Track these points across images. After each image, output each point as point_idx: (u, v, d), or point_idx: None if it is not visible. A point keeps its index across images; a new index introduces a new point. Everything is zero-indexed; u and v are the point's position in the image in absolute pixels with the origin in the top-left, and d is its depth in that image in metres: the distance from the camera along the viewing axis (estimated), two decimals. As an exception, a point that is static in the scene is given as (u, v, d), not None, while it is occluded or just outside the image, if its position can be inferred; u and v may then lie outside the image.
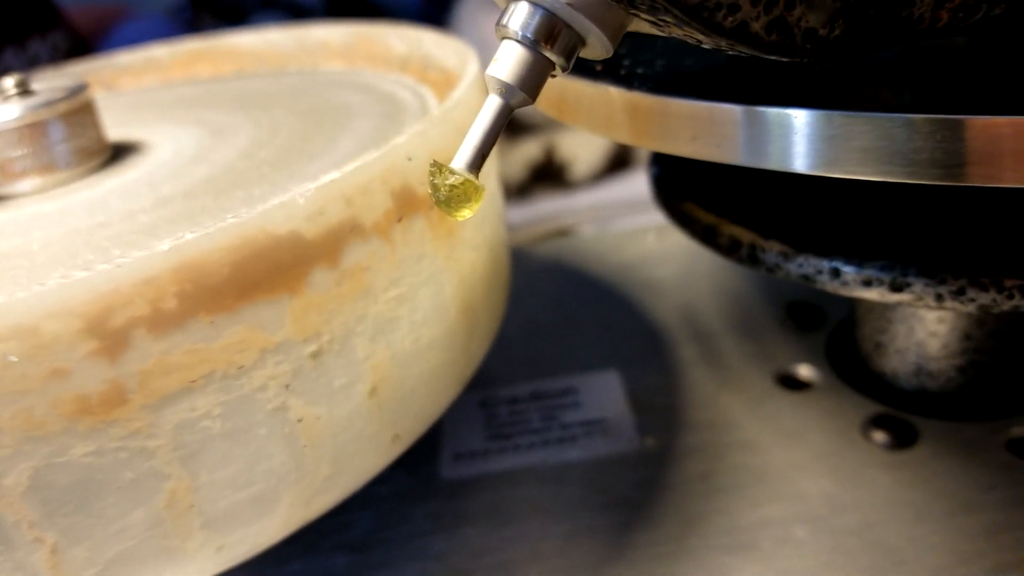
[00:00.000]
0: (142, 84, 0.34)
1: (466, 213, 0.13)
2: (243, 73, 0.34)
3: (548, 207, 0.56)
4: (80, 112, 0.22)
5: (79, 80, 0.23)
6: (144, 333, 0.13)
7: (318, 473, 0.16)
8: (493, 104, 0.14)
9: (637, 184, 0.56)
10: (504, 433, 0.27)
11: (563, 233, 0.43)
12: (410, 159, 0.17)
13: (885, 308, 0.25)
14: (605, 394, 0.28)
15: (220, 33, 0.34)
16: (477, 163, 0.13)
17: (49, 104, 0.21)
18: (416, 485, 0.25)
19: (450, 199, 0.13)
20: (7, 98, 0.22)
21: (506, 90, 0.13)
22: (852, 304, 0.28)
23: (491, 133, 0.13)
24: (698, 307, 0.33)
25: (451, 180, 0.13)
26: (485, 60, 0.15)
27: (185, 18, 0.75)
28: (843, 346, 0.28)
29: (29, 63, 0.55)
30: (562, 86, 0.21)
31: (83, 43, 0.62)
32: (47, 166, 0.21)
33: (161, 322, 0.13)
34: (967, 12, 0.15)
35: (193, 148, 0.23)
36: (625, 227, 0.41)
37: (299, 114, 0.25)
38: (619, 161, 0.63)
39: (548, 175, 0.62)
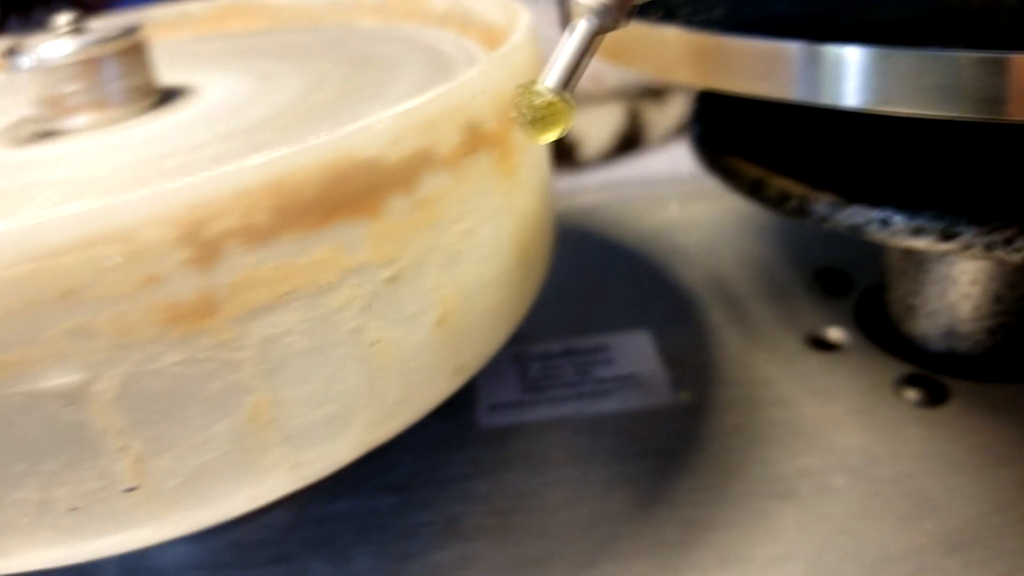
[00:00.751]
0: (176, 38, 0.34)
1: (554, 134, 0.14)
2: (276, 28, 0.34)
3: (559, 185, 0.57)
4: (133, 51, 0.22)
5: (131, 22, 0.23)
6: (236, 245, 0.14)
7: (388, 397, 0.16)
8: (581, 28, 0.14)
9: (646, 163, 0.56)
10: (538, 386, 0.27)
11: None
12: (476, 96, 0.17)
13: (918, 271, 0.26)
14: (637, 352, 0.28)
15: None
16: (567, 82, 0.13)
17: (104, 41, 0.21)
18: (454, 433, 0.25)
19: (540, 119, 0.13)
20: (59, 35, 0.22)
21: (594, 14, 0.14)
22: (884, 267, 0.28)
23: (580, 54, 0.14)
24: (725, 273, 0.33)
25: (541, 100, 0.13)
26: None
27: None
28: (872, 310, 0.29)
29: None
30: (620, 31, 0.21)
31: (88, 11, 0.62)
32: (100, 102, 0.22)
33: (252, 235, 0.14)
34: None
35: (245, 92, 0.23)
36: (644, 196, 0.42)
37: (344, 63, 0.25)
38: (628, 141, 0.63)
39: (558, 154, 0.62)
